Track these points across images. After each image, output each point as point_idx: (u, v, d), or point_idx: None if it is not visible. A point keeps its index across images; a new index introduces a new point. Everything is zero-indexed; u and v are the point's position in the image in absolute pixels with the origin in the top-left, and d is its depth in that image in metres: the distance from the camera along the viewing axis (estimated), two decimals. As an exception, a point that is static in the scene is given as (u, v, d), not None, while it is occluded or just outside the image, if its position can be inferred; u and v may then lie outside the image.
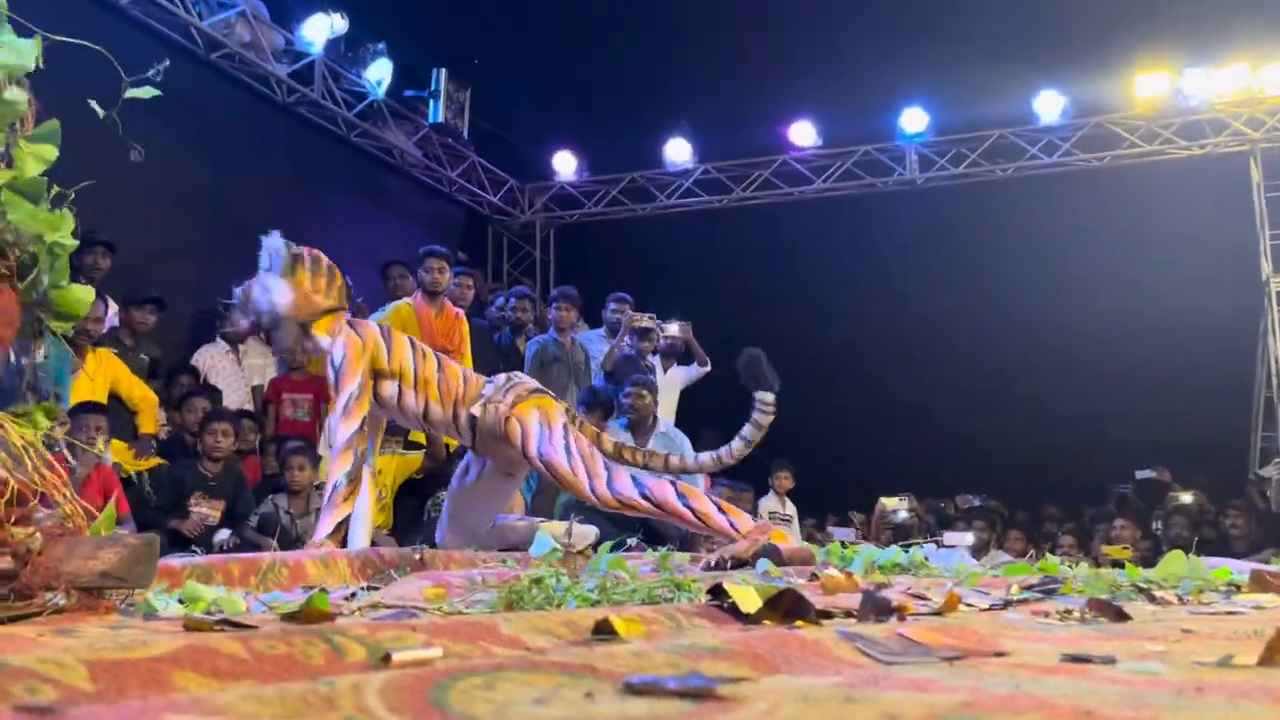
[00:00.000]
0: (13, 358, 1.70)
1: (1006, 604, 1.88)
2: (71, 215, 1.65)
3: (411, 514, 5.64)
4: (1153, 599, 2.04)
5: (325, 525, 3.32)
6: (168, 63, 1.77)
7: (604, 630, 1.28)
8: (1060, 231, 9.39)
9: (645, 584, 1.81)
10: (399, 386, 3.51)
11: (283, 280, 3.29)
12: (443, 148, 9.60)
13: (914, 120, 9.77)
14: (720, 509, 3.38)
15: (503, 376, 3.70)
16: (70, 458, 1.72)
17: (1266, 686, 0.94)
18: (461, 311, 6.21)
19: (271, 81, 7.75)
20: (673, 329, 7.14)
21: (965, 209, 9.85)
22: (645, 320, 6.89)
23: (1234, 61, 8.95)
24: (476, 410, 3.52)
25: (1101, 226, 9.35)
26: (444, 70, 8.79)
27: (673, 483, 3.47)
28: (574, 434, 3.51)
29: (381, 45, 8.46)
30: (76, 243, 1.67)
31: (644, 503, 3.36)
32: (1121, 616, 1.60)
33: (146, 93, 1.72)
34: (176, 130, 6.81)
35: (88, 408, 4.80)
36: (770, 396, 3.65)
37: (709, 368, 7.20)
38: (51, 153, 1.61)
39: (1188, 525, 7.26)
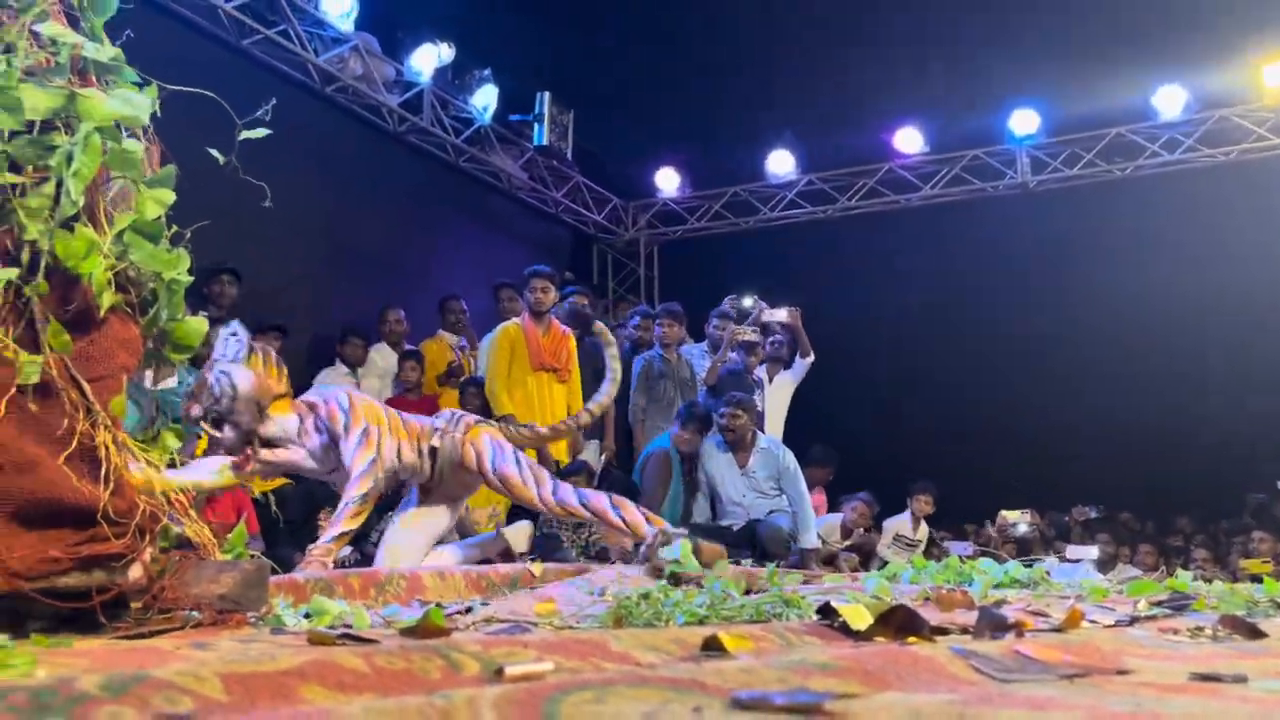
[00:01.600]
0: (146, 383, 1.80)
1: (1133, 621, 1.81)
2: (188, 253, 1.74)
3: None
4: (1292, 615, 1.94)
5: (333, 533, 3.46)
6: (274, 101, 1.85)
7: (712, 646, 1.28)
8: (1183, 231, 8.98)
9: (754, 601, 1.81)
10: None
11: (242, 366, 3.46)
12: (548, 169, 9.76)
13: (1024, 122, 9.51)
14: (648, 520, 3.64)
15: (447, 412, 3.98)
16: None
17: None
18: (569, 330, 6.30)
19: (383, 111, 8.02)
20: (780, 314, 7.14)
21: (1080, 212, 9.54)
22: (749, 334, 6.88)
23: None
24: (435, 441, 3.76)
25: (1226, 225, 8.92)
26: (547, 93, 8.95)
27: (608, 494, 3.78)
28: (520, 451, 3.85)
29: (487, 71, 8.68)
30: (191, 279, 1.75)
31: (582, 510, 3.69)
32: (1256, 634, 1.53)
33: (258, 133, 1.81)
34: (295, 162, 7.09)
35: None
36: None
37: (812, 357, 7.16)
38: (169, 196, 1.71)
39: None
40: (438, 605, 1.84)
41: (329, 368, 6.71)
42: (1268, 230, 8.67)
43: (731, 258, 10.61)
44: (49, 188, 1.51)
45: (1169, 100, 9.08)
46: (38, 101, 1.52)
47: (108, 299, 1.58)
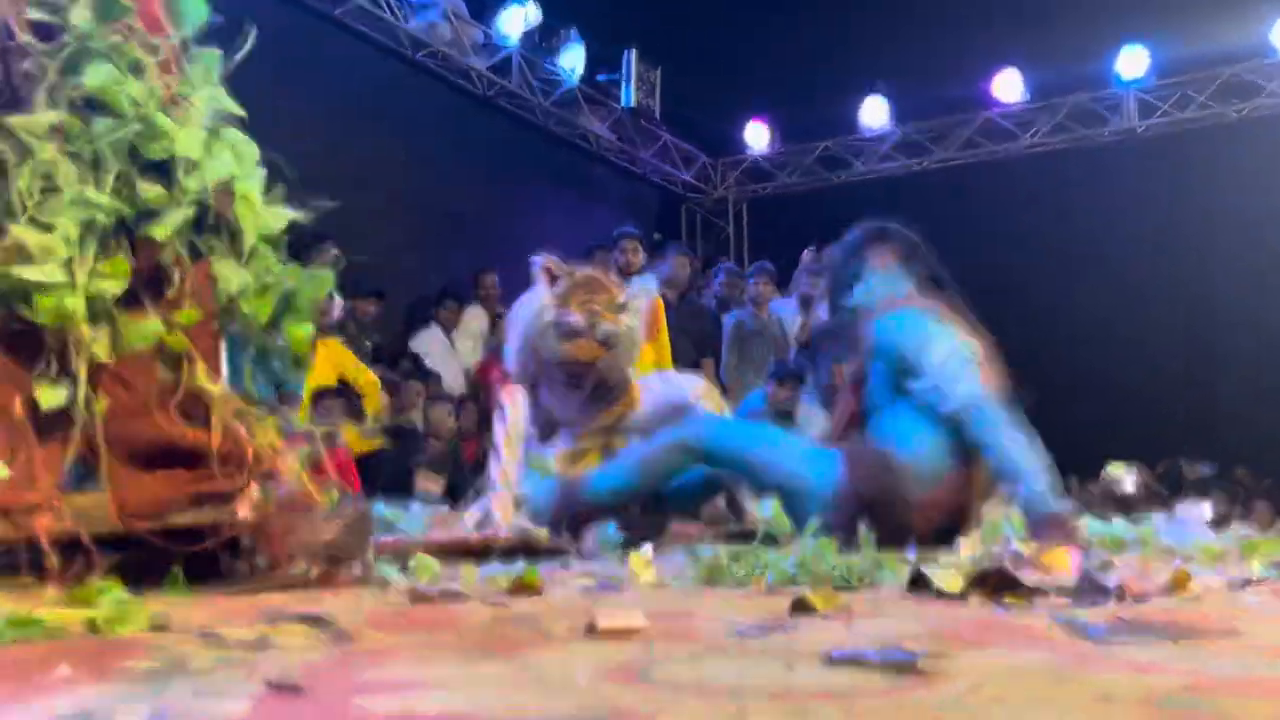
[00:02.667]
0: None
1: (1246, 583, 1.75)
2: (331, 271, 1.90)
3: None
4: None
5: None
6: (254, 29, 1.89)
7: (801, 606, 1.28)
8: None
9: (845, 561, 1.80)
10: None
11: None
12: (635, 129, 9.72)
13: (1132, 63, 9.09)
14: None
15: None
16: (310, 440, 1.90)
17: None
18: (655, 290, 6.27)
19: (472, 76, 8.08)
20: None
21: (1192, 157, 9.09)
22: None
23: None
24: None
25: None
26: (634, 51, 8.90)
27: None
28: None
29: (573, 31, 8.66)
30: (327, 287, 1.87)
31: None
32: (1378, 596, 1.46)
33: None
34: (389, 129, 7.24)
35: (324, 393, 5.18)
36: None
37: None
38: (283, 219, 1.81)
39: None
40: (533, 563, 1.87)
41: (424, 330, 6.84)
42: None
43: (822, 214, 10.41)
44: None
45: (1286, 34, 8.58)
46: (190, 143, 1.67)
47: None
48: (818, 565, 1.75)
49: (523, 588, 1.60)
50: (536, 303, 3.42)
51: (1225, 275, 8.62)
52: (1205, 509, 6.27)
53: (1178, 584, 1.60)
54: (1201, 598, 1.52)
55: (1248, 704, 0.71)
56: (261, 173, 1.81)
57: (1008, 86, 9.54)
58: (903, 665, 0.87)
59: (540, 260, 3.43)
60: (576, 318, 3.33)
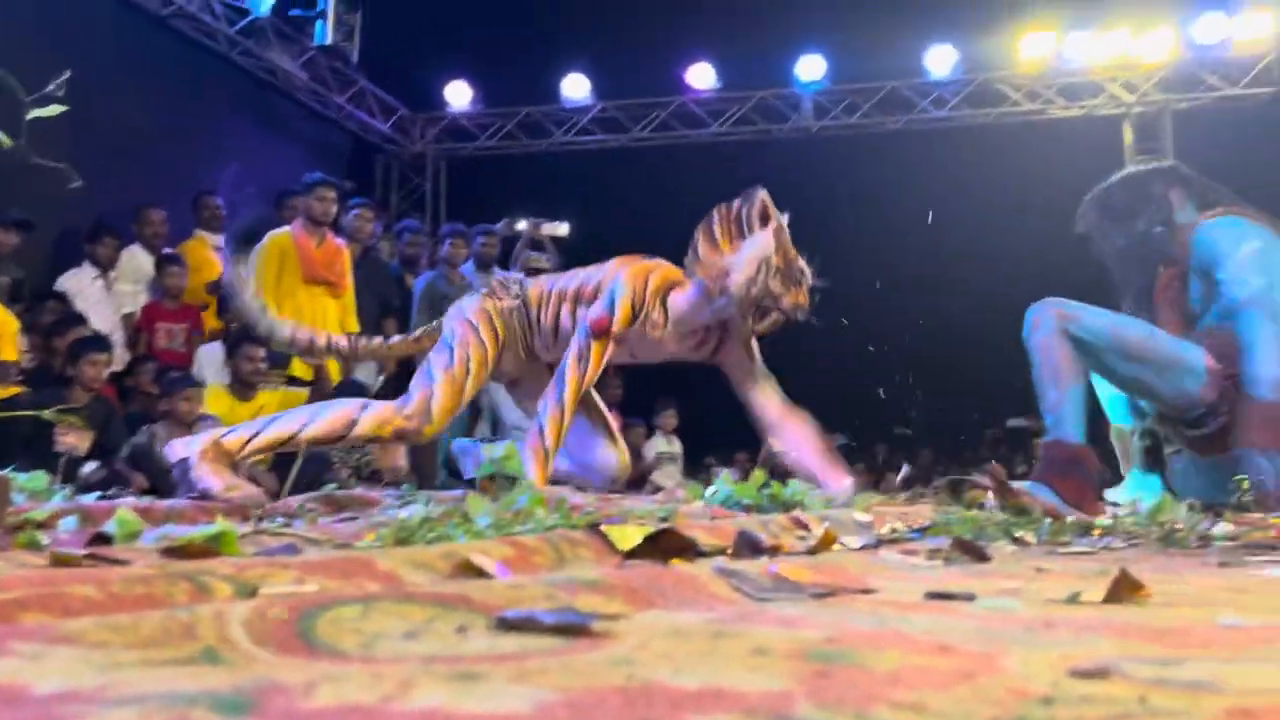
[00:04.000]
0: None
1: (879, 544, 1.94)
2: None
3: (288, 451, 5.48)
4: (1014, 540, 2.14)
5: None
6: (69, 74, 1.64)
7: (471, 568, 1.27)
8: (950, 185, 9.60)
9: (541, 522, 1.81)
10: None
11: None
12: (330, 71, 9.25)
13: (810, 68, 9.84)
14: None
15: None
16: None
17: (1109, 621, 1.00)
18: (344, 243, 6.03)
19: (147, -10, 7.33)
20: (561, 228, 7.14)
21: (859, 158, 10.00)
22: (542, 262, 6.84)
23: (1115, 27, 9.24)
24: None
25: (989, 181, 9.60)
26: (334, -13, 8.45)
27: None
28: None
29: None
30: None
31: None
32: (983, 557, 1.67)
33: (52, 112, 1.63)
34: (42, 36, 6.40)
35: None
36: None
37: None
38: None
39: (1024, 457, 7.73)
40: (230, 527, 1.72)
41: (75, 269, 6.16)
42: (1023, 190, 9.39)
43: (521, 179, 10.47)
44: None
45: (940, 59, 9.62)
46: None
47: None
48: (513, 524, 1.74)
49: (197, 551, 1.45)
50: (765, 238, 3.23)
51: (883, 270, 9.55)
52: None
53: (823, 544, 1.75)
54: (842, 557, 1.67)
55: (882, 654, 0.78)
56: None
57: (701, 76, 10.01)
58: (575, 628, 0.88)
59: (761, 192, 3.31)
60: (803, 264, 3.31)
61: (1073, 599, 1.15)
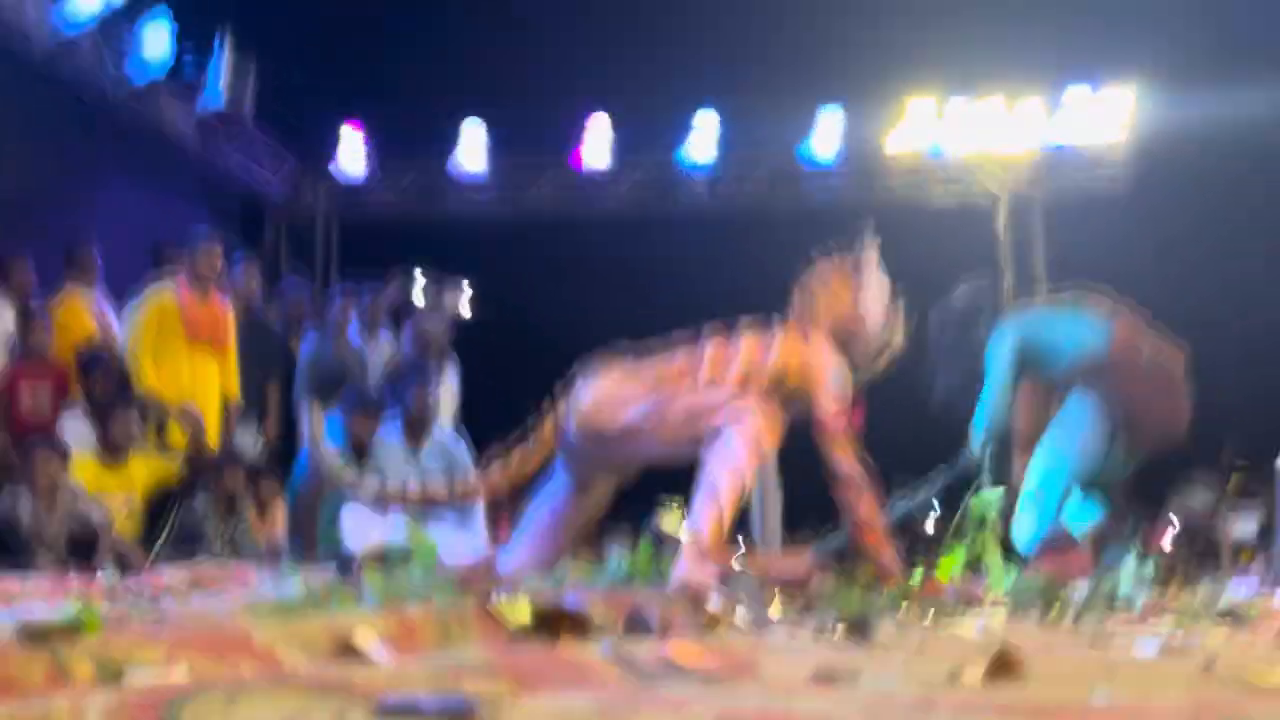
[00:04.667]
0: None
1: (767, 622, 1.95)
2: None
3: (159, 522, 5.21)
4: (900, 617, 2.17)
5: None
6: None
7: (352, 647, 1.23)
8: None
9: (430, 598, 1.76)
10: None
11: None
12: (221, 122, 9.05)
13: (702, 143, 10.02)
14: None
15: None
16: None
17: (990, 700, 1.02)
18: (228, 301, 5.83)
19: (31, 31, 7.08)
20: (461, 297, 7.01)
21: (746, 231, 10.22)
22: (433, 323, 6.72)
23: (989, 113, 9.72)
24: None
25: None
26: (229, 39, 8.30)
27: None
28: None
29: (160, 7, 7.89)
30: None
31: None
32: (868, 634, 1.70)
33: None
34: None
35: None
36: None
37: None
38: None
39: (909, 542, 7.87)
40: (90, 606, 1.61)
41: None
42: (904, 271, 9.73)
43: (417, 242, 10.38)
44: None
45: (823, 140, 9.89)
46: None
47: None
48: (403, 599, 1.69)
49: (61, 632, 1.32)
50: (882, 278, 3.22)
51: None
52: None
53: (712, 623, 1.75)
54: (730, 636, 1.67)
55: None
56: None
57: (597, 145, 10.09)
58: (458, 714, 0.86)
59: (870, 236, 3.25)
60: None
61: (953, 676, 1.17)
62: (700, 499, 2.52)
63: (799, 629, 1.81)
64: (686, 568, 2.40)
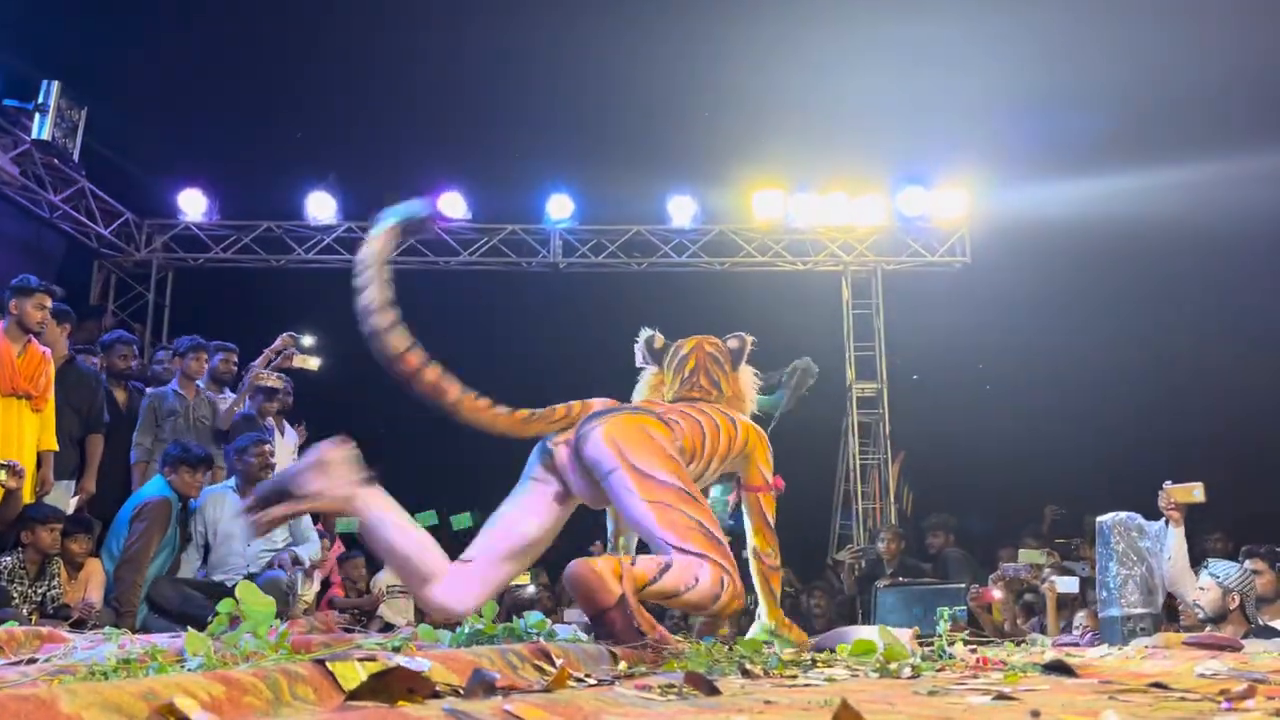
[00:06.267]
0: None
1: (615, 679, 1.92)
2: None
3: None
4: (745, 672, 2.18)
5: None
6: None
7: (171, 711, 1.14)
8: (687, 327, 10.07)
9: (262, 659, 1.66)
10: None
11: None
12: (46, 168, 8.60)
13: (560, 207, 10.16)
14: None
15: None
16: None
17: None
18: (49, 352, 5.49)
19: None
20: (313, 363, 6.85)
21: (604, 295, 10.33)
22: (272, 380, 6.51)
23: (835, 190, 10.20)
24: None
25: (723, 325, 10.15)
26: (56, 83, 7.93)
27: None
28: None
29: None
30: None
31: None
32: (714, 690, 1.69)
33: None
34: None
35: None
36: None
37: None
38: None
39: None
40: None
41: None
42: (755, 335, 9.97)
43: (257, 295, 10.04)
44: None
45: (680, 209, 10.22)
46: None
47: None
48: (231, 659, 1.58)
49: None
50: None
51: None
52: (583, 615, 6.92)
53: (558, 681, 1.71)
54: (576, 694, 1.64)
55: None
56: None
57: (452, 205, 10.09)
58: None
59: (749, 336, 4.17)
60: None
61: (798, 731, 1.18)
62: (656, 559, 2.90)
63: (646, 685, 1.79)
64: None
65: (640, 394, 3.99)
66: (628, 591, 2.74)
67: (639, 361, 4.05)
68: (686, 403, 3.64)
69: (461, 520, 7.08)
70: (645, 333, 4.07)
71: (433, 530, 3.29)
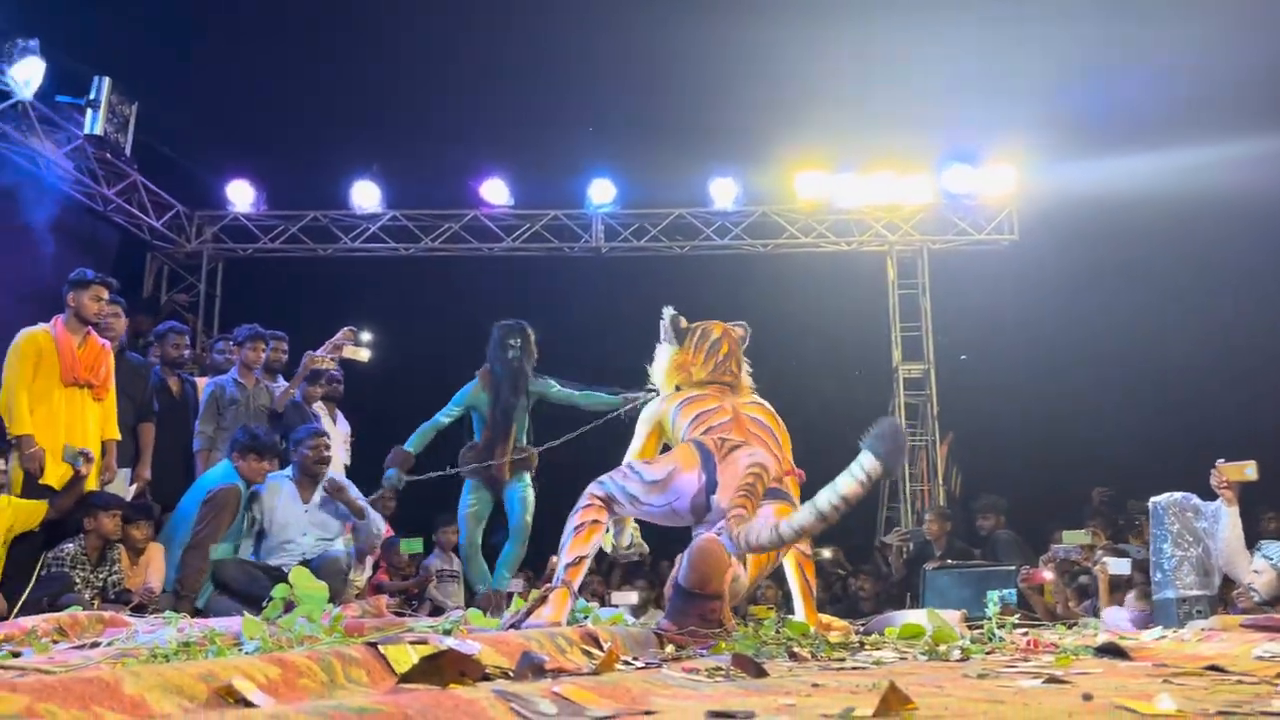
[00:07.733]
0: None
1: (662, 663, 1.94)
2: None
3: (24, 567, 4.95)
4: (792, 655, 2.18)
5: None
6: None
7: (231, 692, 1.17)
8: (730, 310, 10.03)
9: (316, 642, 1.69)
10: None
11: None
12: (100, 162, 8.77)
13: (602, 191, 10.16)
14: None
15: None
16: None
17: (881, 735, 1.03)
18: (109, 343, 5.61)
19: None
20: (363, 354, 6.87)
21: (646, 279, 10.33)
22: (325, 361, 6.56)
23: (879, 169, 10.09)
24: None
25: (766, 307, 10.14)
26: (107, 79, 8.06)
27: None
28: None
29: (34, 42, 7.62)
30: None
31: None
32: (761, 673, 1.70)
33: None
34: None
35: None
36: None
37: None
38: None
39: (822, 585, 7.89)
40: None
41: None
42: (799, 317, 9.91)
43: (305, 283, 10.18)
44: None
45: (722, 191, 10.17)
46: None
47: None
48: (286, 641, 1.62)
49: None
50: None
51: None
52: (632, 596, 6.95)
53: (606, 664, 1.73)
54: (624, 677, 1.65)
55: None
56: None
57: (494, 191, 10.13)
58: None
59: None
60: None
61: (845, 715, 1.18)
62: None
63: (694, 667, 1.80)
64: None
65: (662, 373, 3.99)
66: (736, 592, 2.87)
67: (663, 338, 4.02)
68: (750, 418, 3.69)
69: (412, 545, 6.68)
70: (669, 311, 4.03)
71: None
